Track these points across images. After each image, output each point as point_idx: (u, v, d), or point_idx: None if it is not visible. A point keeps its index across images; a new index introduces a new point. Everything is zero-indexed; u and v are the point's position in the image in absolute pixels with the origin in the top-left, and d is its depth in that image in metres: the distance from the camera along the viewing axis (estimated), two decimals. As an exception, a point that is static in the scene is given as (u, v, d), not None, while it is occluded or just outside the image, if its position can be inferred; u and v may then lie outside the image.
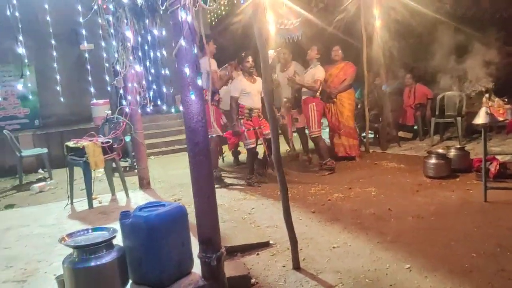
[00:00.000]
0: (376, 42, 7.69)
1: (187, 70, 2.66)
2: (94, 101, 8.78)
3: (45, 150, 8.06)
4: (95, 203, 5.12)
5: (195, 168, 2.83)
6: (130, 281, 2.89)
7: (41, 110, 10.09)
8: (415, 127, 8.65)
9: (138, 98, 5.17)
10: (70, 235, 2.84)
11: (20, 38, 4.31)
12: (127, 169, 7.74)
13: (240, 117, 6.04)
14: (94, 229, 2.93)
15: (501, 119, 4.68)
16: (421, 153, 7.18)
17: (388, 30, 7.95)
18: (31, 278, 3.18)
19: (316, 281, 3.29)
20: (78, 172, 5.18)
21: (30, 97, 9.52)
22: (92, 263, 2.65)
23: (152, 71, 4.86)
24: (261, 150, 6.47)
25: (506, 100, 5.05)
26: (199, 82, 2.73)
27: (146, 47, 4.67)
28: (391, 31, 7.97)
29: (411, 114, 8.57)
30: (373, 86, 8.50)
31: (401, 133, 8.44)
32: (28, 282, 3.12)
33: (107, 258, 2.70)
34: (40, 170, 8.52)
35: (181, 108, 2.81)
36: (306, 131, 7.47)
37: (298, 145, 7.50)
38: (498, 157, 6.01)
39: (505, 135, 7.27)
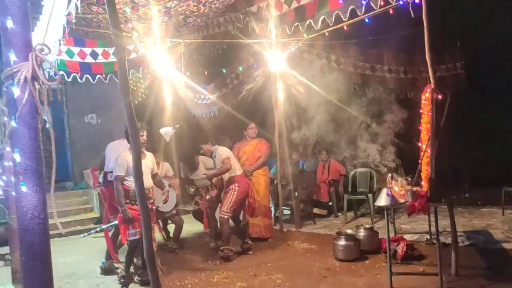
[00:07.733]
0: (288, 119, 7.71)
1: (16, 157, 2.20)
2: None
3: None
4: None
5: (29, 275, 2.28)
6: None
7: None
8: (330, 204, 8.52)
9: (12, 178, 4.50)
10: None
11: None
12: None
13: (125, 201, 5.04)
14: None
15: (401, 200, 4.55)
16: (334, 232, 6.94)
17: (302, 111, 8.05)
18: None
19: None
20: None
21: None
22: None
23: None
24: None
25: (409, 179, 4.98)
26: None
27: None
28: (303, 112, 8.07)
29: (325, 190, 8.45)
30: (290, 161, 8.37)
31: (316, 210, 8.23)
32: None
33: None
34: None
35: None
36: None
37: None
38: (406, 236, 5.93)
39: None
